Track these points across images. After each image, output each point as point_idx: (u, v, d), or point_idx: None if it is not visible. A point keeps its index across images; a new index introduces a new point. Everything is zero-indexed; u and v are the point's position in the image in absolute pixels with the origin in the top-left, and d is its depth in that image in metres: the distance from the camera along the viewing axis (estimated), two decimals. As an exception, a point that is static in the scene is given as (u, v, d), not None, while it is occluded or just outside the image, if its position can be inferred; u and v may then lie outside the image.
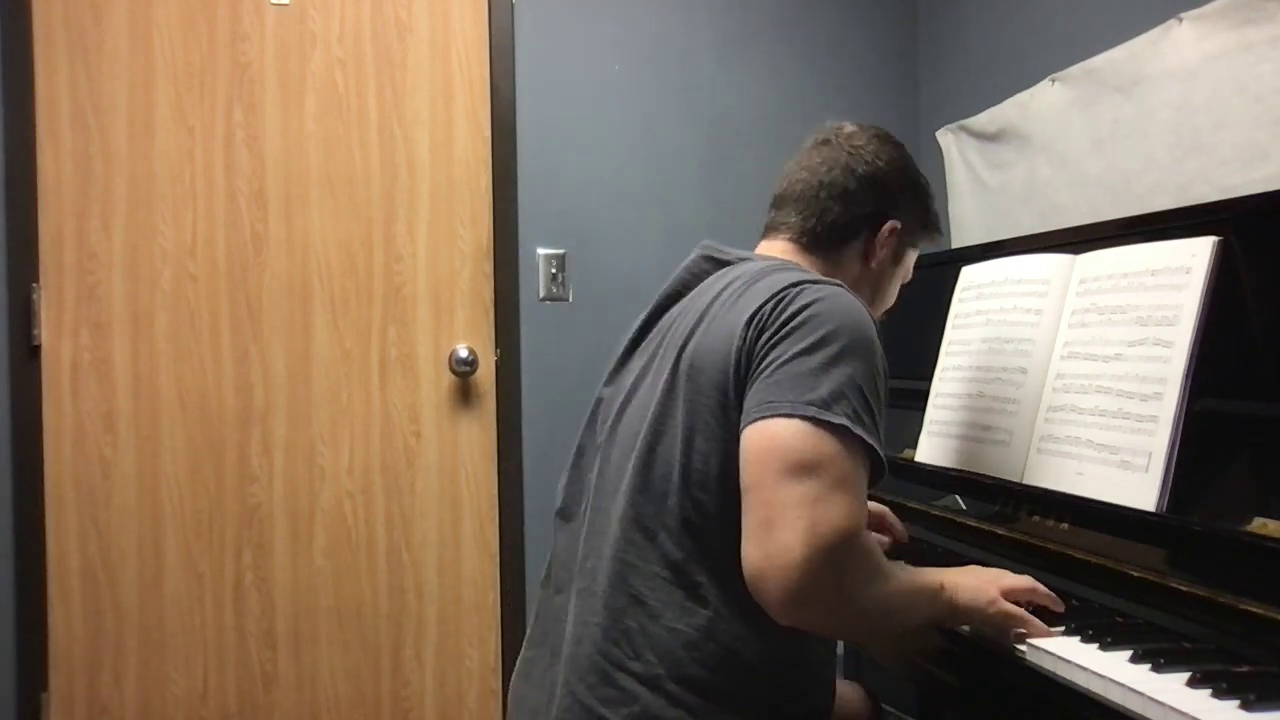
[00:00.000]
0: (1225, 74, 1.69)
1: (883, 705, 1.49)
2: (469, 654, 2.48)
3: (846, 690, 1.46)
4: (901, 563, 1.18)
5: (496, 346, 2.49)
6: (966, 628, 1.16)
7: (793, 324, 1.04)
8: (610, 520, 1.12)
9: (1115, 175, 1.96)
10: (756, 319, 1.07)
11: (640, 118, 2.60)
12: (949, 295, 1.71)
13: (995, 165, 2.38)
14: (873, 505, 1.42)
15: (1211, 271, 1.18)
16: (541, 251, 2.52)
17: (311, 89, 2.40)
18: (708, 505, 1.07)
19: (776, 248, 1.26)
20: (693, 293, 1.23)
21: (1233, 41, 1.68)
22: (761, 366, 1.04)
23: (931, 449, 1.63)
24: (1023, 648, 1.09)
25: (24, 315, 2.24)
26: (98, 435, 2.29)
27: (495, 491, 2.49)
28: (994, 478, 1.44)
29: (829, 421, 0.99)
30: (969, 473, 1.50)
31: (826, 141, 1.28)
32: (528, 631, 1.26)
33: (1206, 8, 1.73)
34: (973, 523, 1.46)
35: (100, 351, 2.30)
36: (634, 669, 1.07)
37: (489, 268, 2.50)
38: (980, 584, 1.13)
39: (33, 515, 2.24)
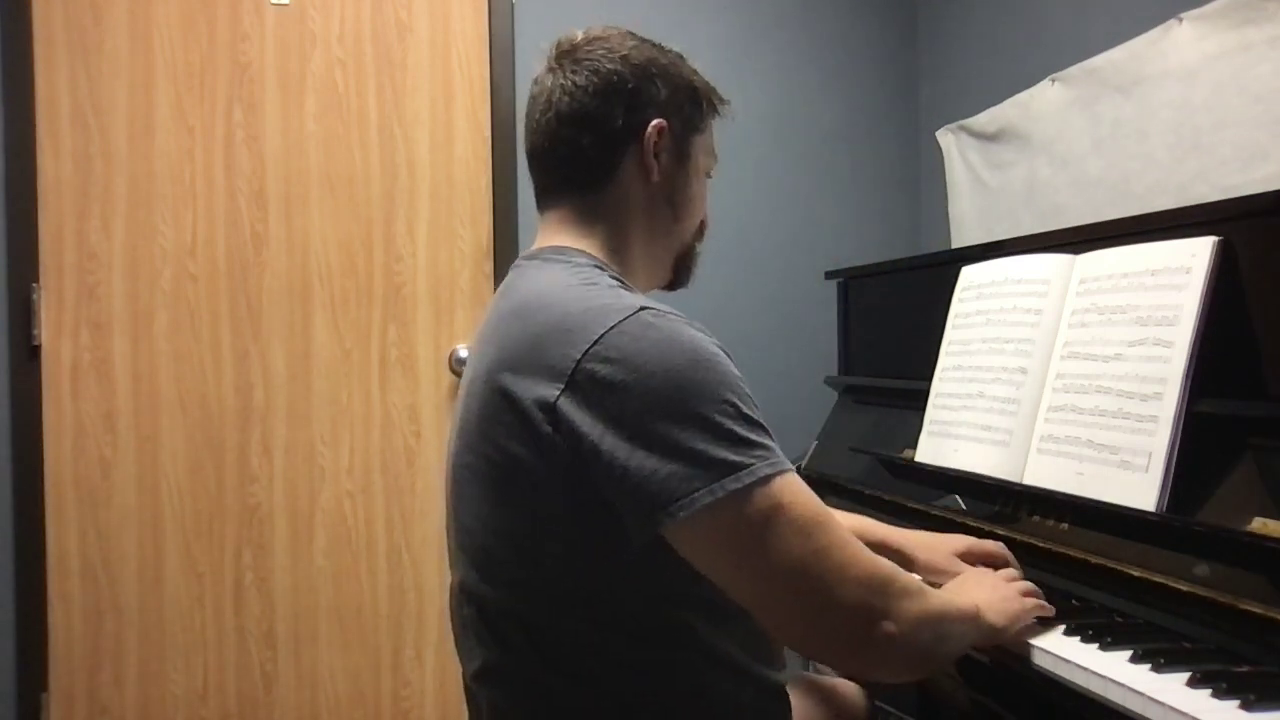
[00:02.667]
0: (1225, 74, 1.69)
1: (882, 705, 1.49)
2: (469, 654, 2.48)
3: (843, 689, 1.46)
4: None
5: (496, 346, 2.49)
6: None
7: (628, 411, 0.88)
8: (470, 624, 1.03)
9: (1115, 175, 1.96)
10: (558, 410, 0.90)
11: (640, 118, 2.59)
12: (949, 295, 1.71)
13: (995, 165, 2.38)
14: (988, 543, 1.28)
15: (1211, 271, 1.18)
16: (541, 251, 2.52)
17: (311, 89, 2.40)
18: (562, 609, 0.96)
19: (553, 220, 1.10)
20: (484, 325, 1.08)
21: (1233, 41, 1.68)
22: (629, 467, 0.88)
23: (931, 449, 1.63)
24: (1020, 647, 1.09)
25: (24, 315, 2.24)
26: (98, 435, 2.29)
27: (495, 491, 2.49)
28: (994, 478, 1.44)
29: (748, 484, 0.87)
30: (969, 473, 1.50)
31: (550, 70, 1.12)
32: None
33: (1206, 8, 1.73)
34: (973, 523, 1.46)
35: (100, 351, 2.30)
36: None
37: (489, 268, 2.50)
38: (1000, 596, 1.08)
39: (33, 515, 2.24)
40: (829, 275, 2.27)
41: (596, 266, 1.05)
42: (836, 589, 0.89)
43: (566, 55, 1.12)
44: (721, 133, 2.81)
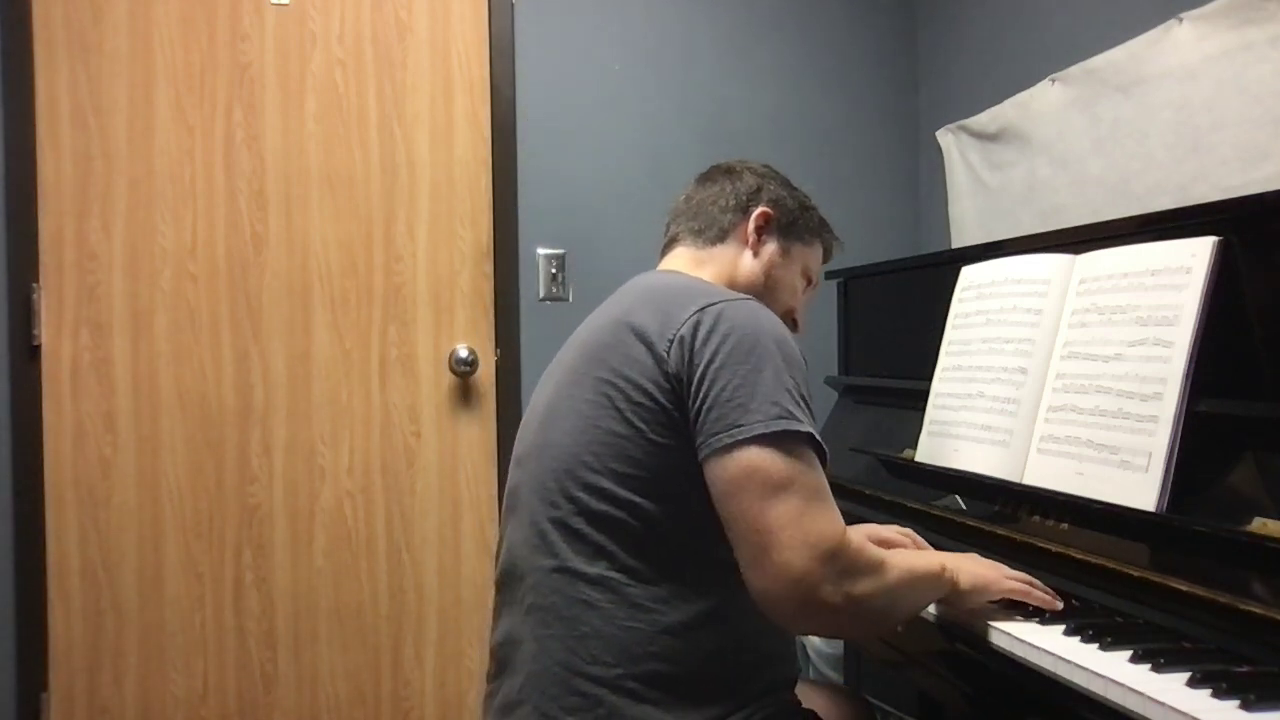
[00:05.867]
0: (1225, 74, 1.69)
1: (882, 705, 1.49)
2: (469, 654, 2.48)
3: (842, 691, 1.47)
4: (897, 550, 1.19)
5: (496, 346, 2.50)
6: (942, 613, 1.19)
7: (726, 348, 1.09)
8: (549, 531, 1.15)
9: (1115, 175, 1.96)
10: (680, 338, 1.11)
11: (640, 118, 2.60)
12: (949, 295, 1.71)
13: (995, 165, 2.38)
14: (895, 530, 1.41)
15: (1211, 271, 1.18)
16: (541, 251, 2.52)
17: (311, 89, 2.40)
18: (646, 507, 1.11)
19: (674, 255, 1.38)
20: (591, 316, 1.33)
21: (1233, 41, 1.68)
22: (710, 391, 1.07)
23: (931, 449, 1.63)
24: (1021, 648, 1.09)
25: (24, 315, 2.24)
26: (98, 435, 2.29)
27: (495, 491, 2.49)
28: (994, 478, 1.44)
29: (791, 431, 1.04)
30: (969, 473, 1.50)
31: (697, 177, 1.45)
32: (487, 669, 1.28)
33: (1206, 8, 1.73)
34: (973, 523, 1.46)
35: (100, 351, 2.30)
36: (594, 673, 1.09)
37: (489, 268, 2.50)
38: (980, 567, 1.19)
39: (33, 515, 2.24)
40: (829, 275, 2.27)
41: (707, 281, 1.28)
42: (794, 550, 1.00)
43: (713, 168, 1.44)
44: (722, 132, 2.81)
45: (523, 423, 1.31)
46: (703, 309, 1.12)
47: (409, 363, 2.46)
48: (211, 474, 2.35)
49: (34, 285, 2.26)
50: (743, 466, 1.04)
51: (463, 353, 2.44)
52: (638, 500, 1.11)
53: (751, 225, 1.36)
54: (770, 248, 1.37)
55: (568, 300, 2.52)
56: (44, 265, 2.27)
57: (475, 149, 2.49)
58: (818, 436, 1.07)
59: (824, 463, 1.09)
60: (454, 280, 2.48)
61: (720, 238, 1.36)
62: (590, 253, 2.53)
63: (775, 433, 1.04)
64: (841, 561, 1.02)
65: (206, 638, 2.35)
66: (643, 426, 1.11)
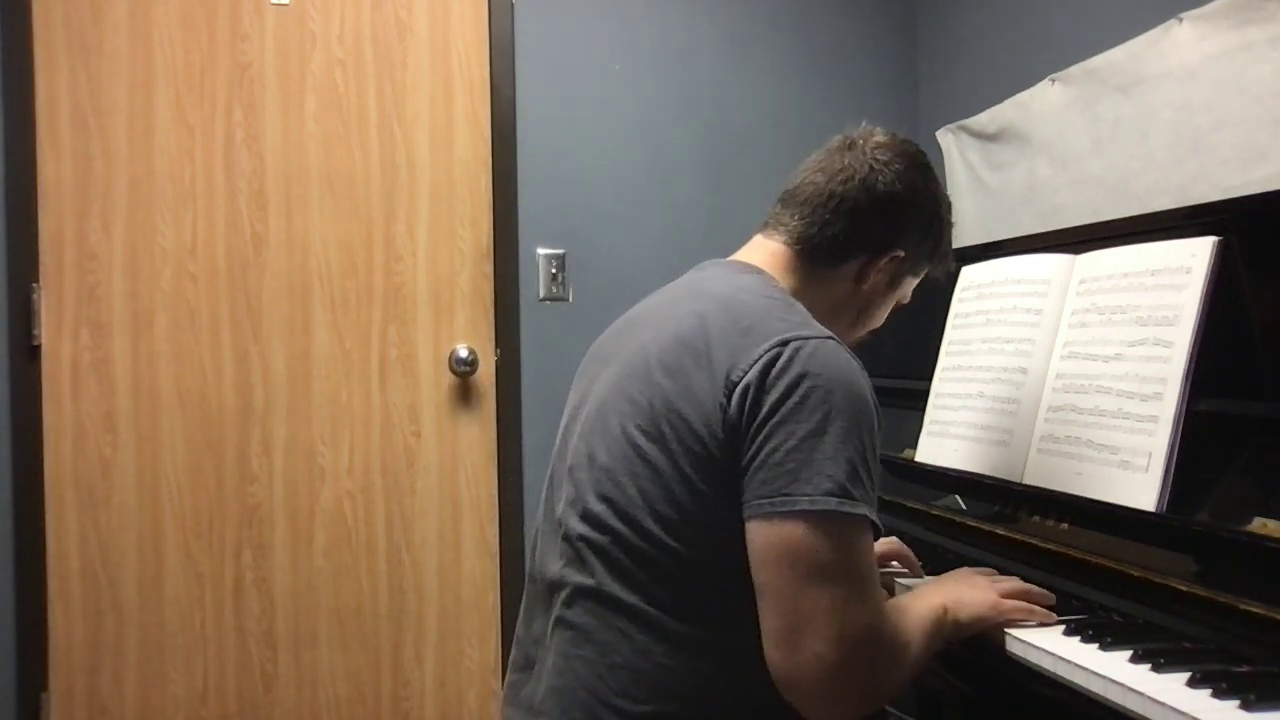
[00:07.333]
0: (1225, 74, 1.69)
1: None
2: (469, 654, 2.48)
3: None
4: (901, 603, 1.13)
5: (496, 346, 2.50)
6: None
7: (792, 400, 1.00)
8: (584, 551, 1.10)
9: (1115, 175, 1.96)
10: (745, 385, 1.02)
11: (640, 118, 2.60)
12: (949, 295, 1.71)
13: (995, 165, 2.38)
14: (890, 541, 1.40)
15: (1211, 271, 1.18)
16: (541, 251, 2.52)
17: (311, 89, 2.40)
18: (683, 552, 1.05)
19: (768, 248, 1.22)
20: (662, 298, 1.23)
21: (1233, 41, 1.68)
22: (764, 447, 1.00)
23: (931, 449, 1.63)
24: (1021, 648, 1.09)
25: (24, 315, 2.24)
26: (98, 435, 2.29)
27: (495, 491, 2.49)
28: (994, 478, 1.44)
29: (848, 513, 0.98)
30: (969, 473, 1.50)
31: (851, 146, 1.22)
32: (511, 654, 1.24)
33: (1206, 8, 1.73)
34: (973, 523, 1.46)
35: (100, 351, 2.30)
36: (620, 705, 1.05)
37: (489, 268, 2.50)
38: (976, 595, 1.14)
39: (33, 515, 2.24)
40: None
41: (789, 300, 1.15)
42: (830, 643, 0.96)
43: (873, 149, 1.21)
44: (722, 132, 2.81)
45: (570, 405, 1.23)
46: (778, 347, 1.02)
47: (409, 363, 2.46)
48: (211, 474, 2.35)
49: (34, 285, 2.26)
50: (784, 539, 0.97)
51: (463, 353, 2.44)
52: (674, 545, 1.05)
53: (876, 266, 1.20)
54: (880, 283, 1.23)
55: (568, 300, 2.52)
56: (44, 265, 2.27)
57: (475, 149, 2.49)
58: (871, 516, 1.00)
59: (877, 536, 1.03)
60: (454, 280, 2.48)
61: (834, 263, 1.20)
62: (590, 253, 2.53)
63: (822, 511, 0.97)
64: (874, 651, 0.98)
65: (206, 638, 2.35)
66: (691, 473, 1.04)
